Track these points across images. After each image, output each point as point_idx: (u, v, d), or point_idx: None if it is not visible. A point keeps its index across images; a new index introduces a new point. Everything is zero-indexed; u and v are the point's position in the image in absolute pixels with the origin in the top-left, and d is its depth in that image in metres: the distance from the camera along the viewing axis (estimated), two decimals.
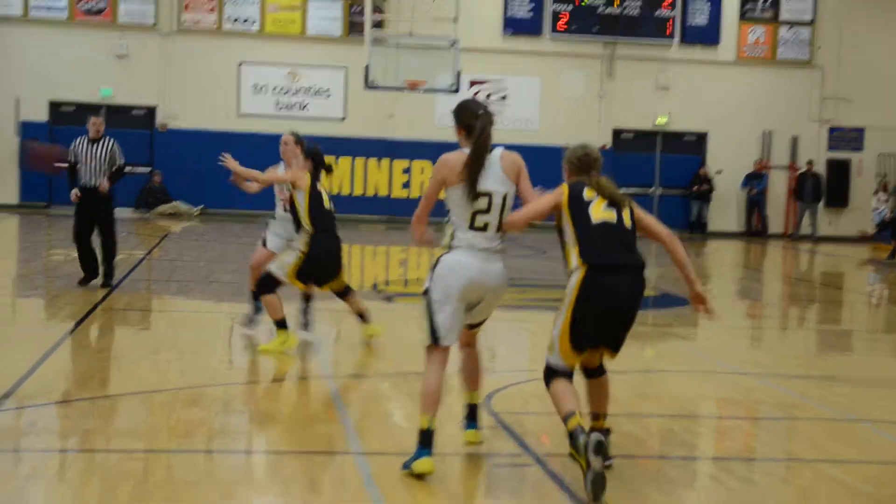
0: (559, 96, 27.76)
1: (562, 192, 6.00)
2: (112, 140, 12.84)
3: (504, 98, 27.73)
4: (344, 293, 9.77)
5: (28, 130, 26.18)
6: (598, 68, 28.24)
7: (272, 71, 27.29)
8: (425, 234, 6.26)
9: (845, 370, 10.02)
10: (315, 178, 9.35)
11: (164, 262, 17.06)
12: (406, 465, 5.83)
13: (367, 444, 6.54)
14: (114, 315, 11.43)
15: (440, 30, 23.32)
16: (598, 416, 6.10)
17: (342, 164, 27.07)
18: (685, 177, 28.49)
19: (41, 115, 26.45)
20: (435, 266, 6.00)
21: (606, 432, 6.03)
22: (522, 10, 27.78)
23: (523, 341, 10.90)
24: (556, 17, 27.74)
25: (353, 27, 26.97)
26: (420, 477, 5.74)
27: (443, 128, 26.44)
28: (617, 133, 28.40)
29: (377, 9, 23.75)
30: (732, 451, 6.97)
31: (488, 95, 27.22)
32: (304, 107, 27.35)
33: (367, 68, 22.78)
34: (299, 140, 9.92)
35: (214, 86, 26.98)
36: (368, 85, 22.96)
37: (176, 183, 26.79)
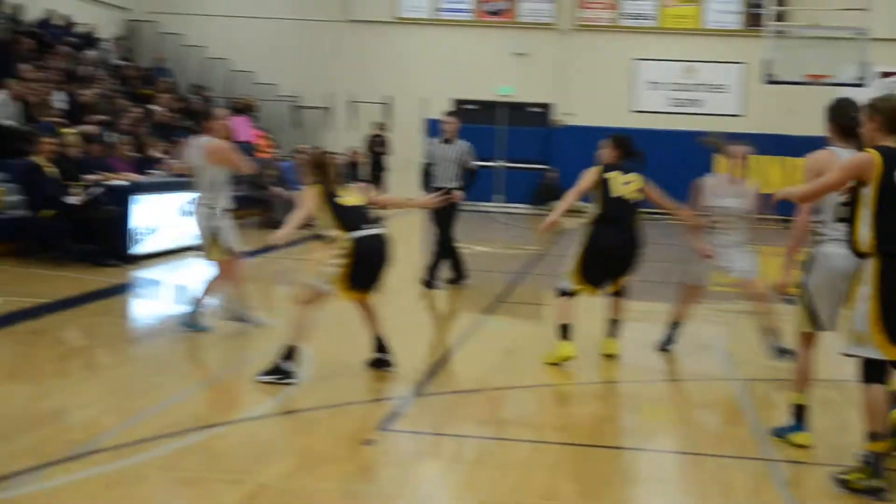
0: None
1: (870, 158, 5.39)
2: (466, 142, 12.57)
3: None
4: (620, 292, 8.83)
5: (433, 128, 27.54)
6: None
7: (667, 66, 27.11)
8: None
9: None
10: (614, 167, 8.74)
11: (561, 258, 17.35)
12: (781, 433, 6.34)
13: (779, 450, 6.31)
14: (515, 308, 11.79)
15: (847, 19, 22.18)
16: None
17: None
18: None
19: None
20: (809, 258, 6.22)
21: None
22: None
23: None
24: None
25: (753, 20, 26.24)
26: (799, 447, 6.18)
27: None
28: None
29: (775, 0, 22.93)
30: None
31: None
32: (700, 103, 26.94)
33: (766, 62, 22.08)
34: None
35: (608, 82, 27.18)
36: (767, 79, 22.24)
37: (570, 180, 27.24)
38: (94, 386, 7.20)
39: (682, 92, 27.18)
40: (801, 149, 24.12)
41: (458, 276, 12.76)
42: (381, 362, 7.90)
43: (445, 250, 12.66)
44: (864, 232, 5.46)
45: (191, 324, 9.05)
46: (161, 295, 12.39)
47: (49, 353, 8.20)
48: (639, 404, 7.66)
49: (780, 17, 23.43)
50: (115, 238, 13.04)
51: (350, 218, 7.58)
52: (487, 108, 27.82)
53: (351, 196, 7.71)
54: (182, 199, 14.67)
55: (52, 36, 21.21)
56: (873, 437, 5.45)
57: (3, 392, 6.95)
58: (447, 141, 12.52)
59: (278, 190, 17.73)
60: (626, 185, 8.56)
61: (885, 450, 5.46)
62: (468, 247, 17.83)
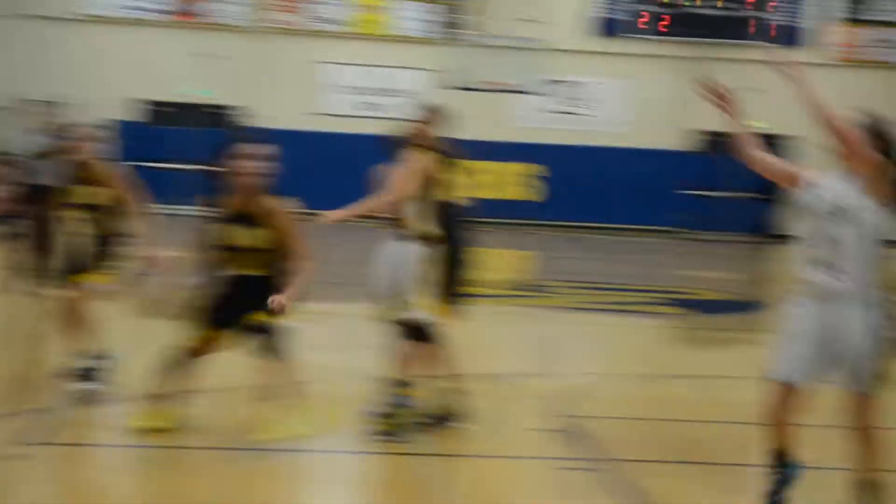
0: (643, 99, 27.38)
1: None
2: None
3: (586, 100, 27.52)
4: None
5: (124, 131, 26.44)
6: (685, 70, 27.75)
7: (352, 71, 27.41)
8: None
9: None
10: None
11: None
12: None
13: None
14: None
15: (524, 30, 23.27)
16: None
17: None
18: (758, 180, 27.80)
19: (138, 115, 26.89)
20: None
21: None
22: (612, 11, 27.53)
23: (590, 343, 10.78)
24: (641, 17, 27.45)
25: (434, 27, 27.00)
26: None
27: (522, 129, 26.46)
28: (702, 135, 27.80)
29: (456, 10, 23.72)
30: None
31: (571, 98, 27.09)
32: (384, 107, 27.35)
33: (444, 69, 22.80)
34: None
35: (292, 85, 27.11)
36: (445, 85, 22.96)
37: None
38: None
39: (366, 96, 27.54)
40: (473, 151, 24.13)
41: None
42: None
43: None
44: None
45: None
46: None
47: None
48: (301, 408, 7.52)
49: (460, 25, 24.26)
50: None
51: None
52: (184, 109, 27.17)
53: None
54: None
55: None
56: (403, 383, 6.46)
57: None
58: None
59: None
60: None
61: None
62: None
